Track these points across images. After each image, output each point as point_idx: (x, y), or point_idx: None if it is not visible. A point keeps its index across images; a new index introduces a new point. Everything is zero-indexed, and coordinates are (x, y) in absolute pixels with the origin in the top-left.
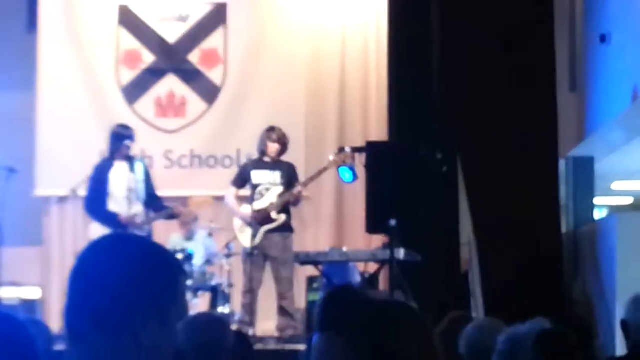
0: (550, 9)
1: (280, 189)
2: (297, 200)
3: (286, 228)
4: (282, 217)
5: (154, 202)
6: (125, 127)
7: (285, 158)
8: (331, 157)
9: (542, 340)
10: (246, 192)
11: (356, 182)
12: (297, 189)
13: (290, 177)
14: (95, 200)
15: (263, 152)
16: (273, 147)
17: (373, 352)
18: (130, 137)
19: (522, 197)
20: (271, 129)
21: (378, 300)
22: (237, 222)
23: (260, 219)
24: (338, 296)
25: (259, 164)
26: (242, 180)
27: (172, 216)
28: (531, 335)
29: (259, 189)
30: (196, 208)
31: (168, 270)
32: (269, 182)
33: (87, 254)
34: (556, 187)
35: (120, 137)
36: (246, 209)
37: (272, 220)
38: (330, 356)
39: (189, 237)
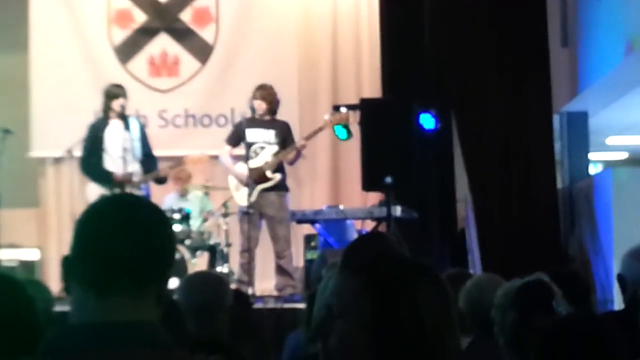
0: None
1: (275, 147)
2: (296, 157)
3: (281, 187)
4: (277, 176)
5: (148, 163)
6: (117, 86)
7: (278, 116)
8: (326, 117)
9: (522, 293)
10: (241, 150)
11: (351, 140)
12: (301, 142)
13: (284, 136)
14: (90, 159)
15: (253, 110)
16: (259, 105)
17: (381, 298)
18: (120, 95)
19: (517, 153)
20: (258, 87)
21: (406, 255)
22: (232, 181)
23: (256, 177)
24: (367, 239)
25: (254, 123)
26: (236, 138)
27: (159, 180)
28: None
29: (253, 147)
30: (192, 165)
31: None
32: (263, 140)
33: (112, 209)
34: (550, 142)
35: (113, 96)
36: (241, 167)
37: (267, 179)
38: (341, 294)
39: (183, 194)
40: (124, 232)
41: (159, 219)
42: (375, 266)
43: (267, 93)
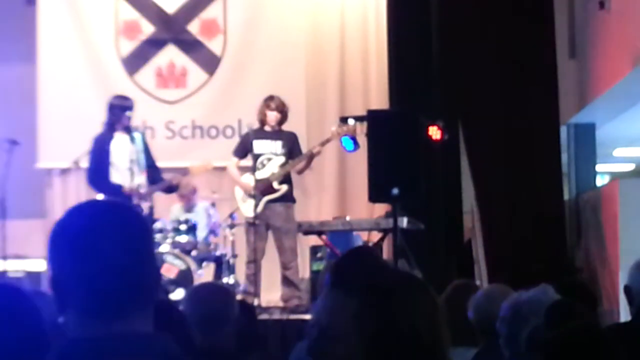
0: None
1: (282, 159)
2: (306, 165)
3: (288, 198)
4: (284, 187)
5: (153, 173)
6: (124, 98)
7: (285, 127)
8: (333, 128)
9: (553, 311)
10: (248, 161)
11: (358, 151)
12: (317, 148)
13: (291, 147)
14: (98, 172)
15: (263, 122)
16: (272, 116)
17: (378, 318)
18: (130, 108)
19: (524, 164)
20: (270, 98)
21: (395, 269)
22: (239, 192)
23: (262, 188)
24: (355, 256)
25: (261, 134)
26: (243, 150)
27: (170, 189)
28: (533, 302)
29: (260, 158)
30: (197, 174)
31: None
32: (270, 151)
33: (101, 219)
34: (557, 154)
35: (121, 108)
36: (247, 179)
37: (274, 190)
38: (334, 315)
39: (189, 208)
40: (122, 243)
41: (142, 221)
42: (370, 285)
43: (280, 103)
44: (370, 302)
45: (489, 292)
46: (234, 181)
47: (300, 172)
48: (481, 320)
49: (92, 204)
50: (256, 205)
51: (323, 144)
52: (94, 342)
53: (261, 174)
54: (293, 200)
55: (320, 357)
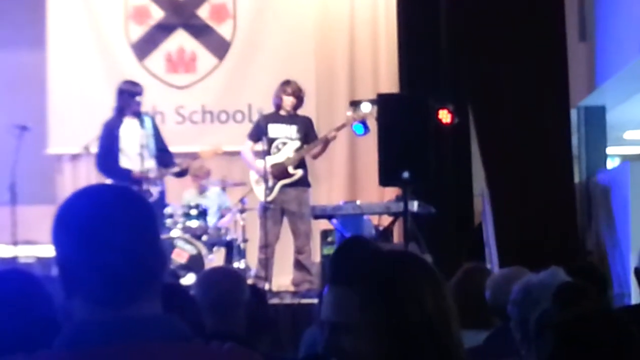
0: None
1: (297, 143)
2: (322, 150)
3: (303, 182)
4: (299, 172)
5: (164, 157)
6: (133, 83)
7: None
8: (349, 113)
9: (562, 293)
10: (262, 146)
11: (368, 135)
12: (333, 133)
13: (306, 131)
14: (107, 157)
15: (279, 106)
16: (288, 101)
17: (386, 306)
18: (140, 93)
19: (534, 147)
20: (286, 83)
21: (390, 252)
22: (253, 176)
23: (277, 173)
24: (349, 248)
25: (276, 118)
26: (258, 133)
27: (181, 172)
28: (544, 285)
29: (275, 143)
30: (208, 159)
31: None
32: (285, 136)
33: (104, 205)
34: (568, 137)
35: (130, 94)
36: (261, 163)
37: (289, 175)
38: (341, 310)
39: (202, 191)
40: (127, 228)
41: (147, 205)
42: (371, 274)
43: (296, 88)
44: (372, 293)
45: (507, 273)
46: (248, 164)
47: (315, 157)
48: (497, 301)
49: (95, 189)
50: (270, 190)
51: (339, 129)
52: (103, 325)
53: (276, 158)
54: (308, 185)
55: (338, 353)
